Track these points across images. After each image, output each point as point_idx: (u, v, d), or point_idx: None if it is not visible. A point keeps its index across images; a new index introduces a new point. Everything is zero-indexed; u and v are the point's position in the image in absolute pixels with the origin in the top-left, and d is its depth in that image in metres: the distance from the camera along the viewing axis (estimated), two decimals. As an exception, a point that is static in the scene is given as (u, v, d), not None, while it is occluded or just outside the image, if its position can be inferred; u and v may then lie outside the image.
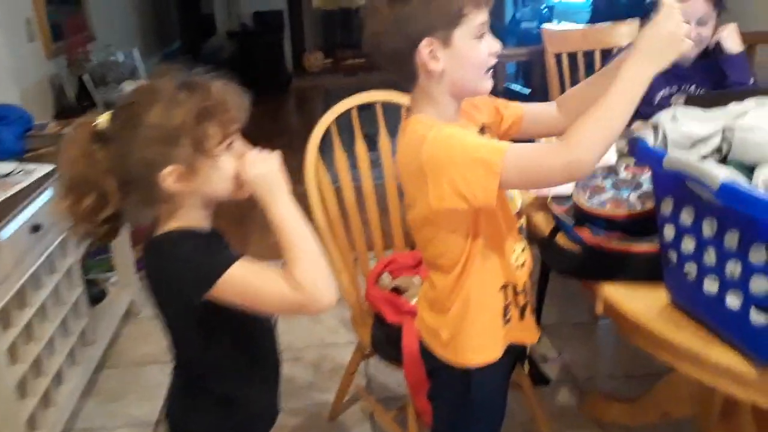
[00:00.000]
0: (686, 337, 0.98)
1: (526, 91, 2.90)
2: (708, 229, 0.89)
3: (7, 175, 1.62)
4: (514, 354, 1.19)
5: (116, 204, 0.93)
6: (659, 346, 1.03)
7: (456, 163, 0.95)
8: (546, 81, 2.43)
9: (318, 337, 2.36)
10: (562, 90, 2.40)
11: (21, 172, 1.63)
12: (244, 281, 0.91)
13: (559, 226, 1.34)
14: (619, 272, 1.14)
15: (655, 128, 0.99)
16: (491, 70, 1.05)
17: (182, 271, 0.92)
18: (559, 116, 1.20)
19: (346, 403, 1.97)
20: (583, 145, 0.90)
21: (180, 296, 0.93)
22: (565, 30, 2.45)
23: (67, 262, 1.88)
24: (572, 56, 2.42)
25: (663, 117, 1.01)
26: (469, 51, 1.01)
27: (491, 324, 1.12)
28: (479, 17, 0.99)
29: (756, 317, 0.86)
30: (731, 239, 0.85)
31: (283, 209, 0.94)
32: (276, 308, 0.97)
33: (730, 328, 0.92)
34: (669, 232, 0.98)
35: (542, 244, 1.33)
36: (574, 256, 1.24)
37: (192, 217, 0.97)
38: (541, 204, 1.45)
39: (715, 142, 1.00)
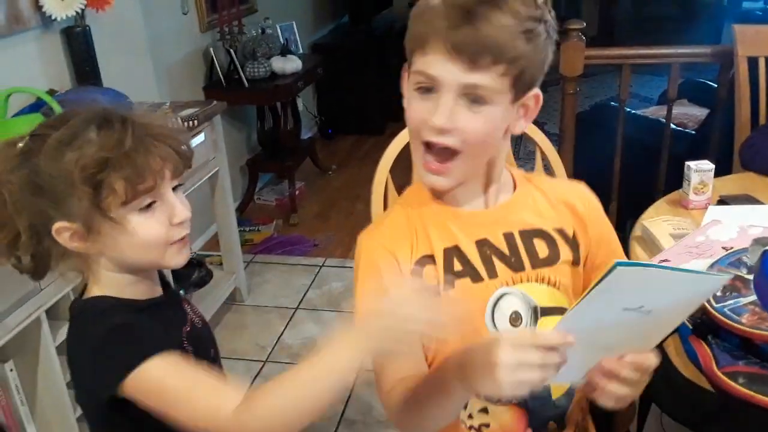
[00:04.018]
0: None
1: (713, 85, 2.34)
2: None
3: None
4: None
5: (28, 247, 0.76)
6: None
7: None
8: (734, 92, 1.91)
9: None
10: (754, 106, 1.87)
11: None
12: (161, 383, 0.70)
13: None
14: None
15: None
16: (438, 164, 0.82)
17: (91, 358, 0.74)
18: None
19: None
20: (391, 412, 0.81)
21: (86, 385, 0.75)
22: (765, 28, 1.89)
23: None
24: (774, 61, 1.87)
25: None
26: (407, 102, 0.83)
27: None
28: (422, 64, 0.78)
29: None
30: None
31: (351, 362, 0.69)
32: (191, 425, 0.72)
33: None
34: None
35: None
36: (680, 383, 0.86)
37: (118, 283, 0.79)
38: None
39: None
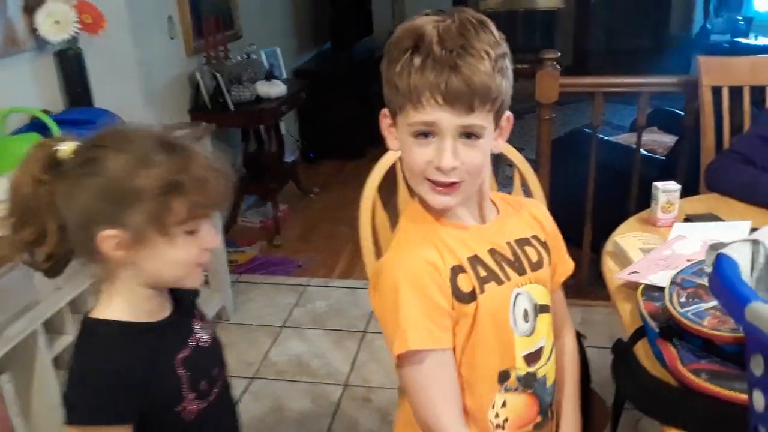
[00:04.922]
0: None
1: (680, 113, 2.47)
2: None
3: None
4: None
5: (53, 247, 0.81)
6: None
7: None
8: (699, 120, 2.02)
9: (395, 379, 2.18)
10: (718, 133, 1.98)
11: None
12: None
13: (642, 331, 1.04)
14: (704, 425, 0.84)
15: (755, 245, 0.69)
16: (445, 189, 0.90)
17: (76, 385, 0.81)
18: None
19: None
20: None
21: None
22: (727, 59, 2.01)
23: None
24: (736, 91, 1.99)
25: (773, 232, 0.70)
26: (405, 149, 0.90)
27: None
28: (418, 115, 0.86)
29: None
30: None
31: None
32: None
33: None
34: (759, 400, 0.68)
35: (616, 352, 1.04)
36: (647, 381, 0.94)
37: (134, 297, 0.84)
38: (632, 290, 1.15)
39: None
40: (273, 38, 3.92)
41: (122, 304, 0.83)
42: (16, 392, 1.52)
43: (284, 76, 3.79)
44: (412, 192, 0.98)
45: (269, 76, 3.33)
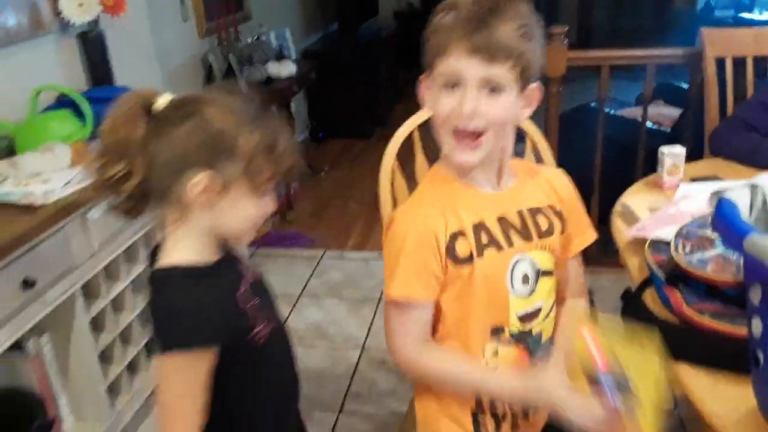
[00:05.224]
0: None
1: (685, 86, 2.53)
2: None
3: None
4: None
5: (134, 187, 0.87)
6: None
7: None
8: (703, 92, 2.08)
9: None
10: (722, 103, 2.04)
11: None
12: (168, 378, 0.87)
13: (650, 280, 1.11)
14: (706, 357, 0.92)
15: (754, 189, 0.76)
16: (468, 142, 0.98)
17: (155, 323, 0.87)
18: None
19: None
20: (419, 372, 1.05)
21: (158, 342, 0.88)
22: (731, 30, 2.07)
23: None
24: (740, 62, 2.05)
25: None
26: (435, 100, 0.97)
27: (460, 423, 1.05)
28: (446, 65, 0.94)
29: None
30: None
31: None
32: (158, 412, 0.89)
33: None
34: (757, 326, 0.75)
35: (625, 299, 1.11)
36: (653, 322, 1.02)
37: (198, 243, 0.91)
38: (639, 246, 1.22)
39: None
40: (281, 19, 3.97)
41: (188, 248, 0.90)
42: (55, 353, 1.61)
43: (293, 57, 3.85)
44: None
45: (279, 56, 3.39)
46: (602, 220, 1.50)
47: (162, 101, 0.88)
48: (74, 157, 1.62)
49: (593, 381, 0.87)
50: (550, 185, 1.12)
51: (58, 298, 1.48)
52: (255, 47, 3.28)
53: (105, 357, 1.71)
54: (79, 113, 1.77)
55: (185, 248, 0.90)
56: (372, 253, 2.83)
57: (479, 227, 1.01)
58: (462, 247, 0.99)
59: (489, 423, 1.05)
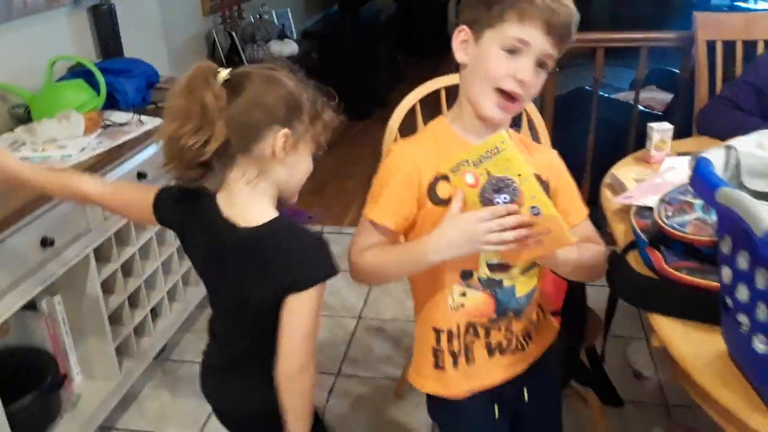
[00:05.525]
0: (730, 397, 0.84)
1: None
2: (761, 280, 0.74)
3: (123, 124, 1.77)
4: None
5: (213, 150, 0.92)
6: (704, 400, 0.90)
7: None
8: (694, 77, 2.15)
9: (407, 312, 2.35)
10: (712, 85, 2.12)
11: (136, 123, 1.76)
12: (315, 308, 0.98)
13: (634, 243, 1.19)
14: (681, 308, 1.00)
15: (728, 149, 0.83)
16: (506, 103, 1.01)
17: (301, 257, 0.98)
18: None
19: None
20: (360, 267, 1.07)
21: (286, 279, 0.96)
22: (723, 14, 2.14)
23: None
24: (729, 45, 2.12)
25: (744, 141, 0.84)
26: (488, 57, 0.99)
27: (426, 361, 1.14)
28: (518, 32, 0.96)
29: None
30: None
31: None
32: (296, 343, 0.99)
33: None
34: (726, 274, 0.83)
35: (611, 261, 1.19)
36: (638, 281, 1.10)
37: (271, 198, 1.00)
38: (625, 213, 1.30)
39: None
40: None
41: (266, 201, 1.00)
42: (66, 313, 1.69)
43: (295, 36, 3.90)
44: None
45: (282, 35, 3.44)
46: (593, 202, 1.55)
47: (225, 72, 0.96)
48: (88, 124, 1.69)
49: (483, 201, 0.96)
50: (540, 156, 1.16)
51: (74, 258, 1.56)
52: (258, 26, 3.33)
53: (114, 318, 1.79)
54: (91, 83, 1.83)
55: (264, 204, 0.99)
56: (370, 228, 2.90)
57: None
58: (443, 190, 1.05)
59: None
